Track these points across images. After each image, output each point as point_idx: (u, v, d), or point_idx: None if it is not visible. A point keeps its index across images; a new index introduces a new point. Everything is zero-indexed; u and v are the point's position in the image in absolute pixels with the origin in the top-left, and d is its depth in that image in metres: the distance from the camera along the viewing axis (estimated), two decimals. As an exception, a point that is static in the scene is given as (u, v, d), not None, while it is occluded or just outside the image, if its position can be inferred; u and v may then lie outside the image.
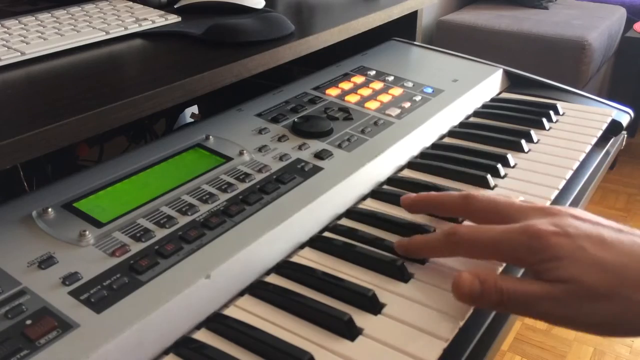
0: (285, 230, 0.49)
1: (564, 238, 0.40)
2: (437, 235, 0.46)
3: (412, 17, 0.92)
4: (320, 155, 0.58)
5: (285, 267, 0.47)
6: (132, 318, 0.38)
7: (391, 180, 0.60)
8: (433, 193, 0.51)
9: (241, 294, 0.45)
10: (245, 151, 0.57)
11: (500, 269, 0.47)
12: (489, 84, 0.81)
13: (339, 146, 0.60)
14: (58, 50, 0.61)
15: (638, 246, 0.39)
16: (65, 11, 0.71)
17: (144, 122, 0.87)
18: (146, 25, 0.68)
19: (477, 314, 0.44)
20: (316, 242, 0.50)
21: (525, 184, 0.60)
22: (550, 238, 0.40)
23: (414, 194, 0.52)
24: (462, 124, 0.73)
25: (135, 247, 0.44)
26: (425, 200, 0.51)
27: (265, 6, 0.79)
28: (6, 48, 0.58)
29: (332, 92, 0.72)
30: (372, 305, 0.43)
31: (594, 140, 0.69)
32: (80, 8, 0.72)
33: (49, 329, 0.37)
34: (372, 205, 0.56)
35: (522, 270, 0.48)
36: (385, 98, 0.72)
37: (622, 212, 2.07)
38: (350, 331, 0.40)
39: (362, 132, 0.63)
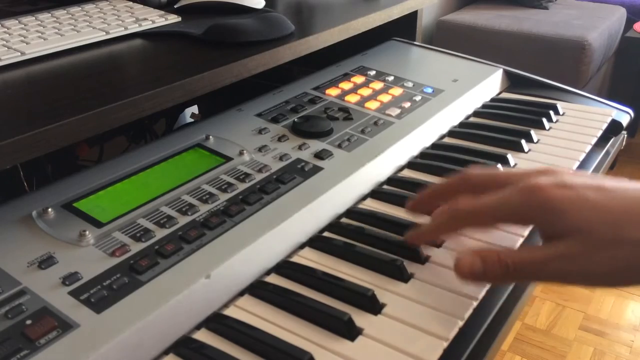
0: (285, 230, 0.49)
1: (565, 189, 0.40)
2: (440, 214, 0.46)
3: (412, 17, 0.92)
4: (320, 155, 0.58)
5: (285, 267, 0.47)
6: (132, 318, 0.38)
7: (391, 180, 0.60)
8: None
9: (241, 294, 0.45)
10: (245, 151, 0.57)
11: (518, 245, 0.47)
12: (489, 84, 0.81)
13: (339, 146, 0.60)
14: (58, 50, 0.61)
15: (636, 189, 0.39)
16: (65, 11, 0.71)
17: (144, 122, 0.87)
18: (146, 25, 0.68)
19: (477, 314, 0.44)
20: (316, 242, 0.50)
21: (525, 184, 0.60)
22: (551, 191, 0.40)
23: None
24: (462, 124, 0.73)
25: (135, 247, 0.44)
26: (427, 196, 0.50)
27: (265, 6, 0.79)
28: (6, 48, 0.58)
29: (332, 92, 0.72)
30: (372, 305, 0.43)
31: (594, 140, 0.69)
32: (80, 8, 0.72)
33: (49, 329, 0.37)
34: (372, 205, 0.56)
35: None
36: (385, 98, 0.72)
37: (622, 212, 2.07)
38: (350, 331, 0.40)
39: (362, 132, 0.63)
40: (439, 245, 0.50)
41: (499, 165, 0.62)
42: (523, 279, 0.42)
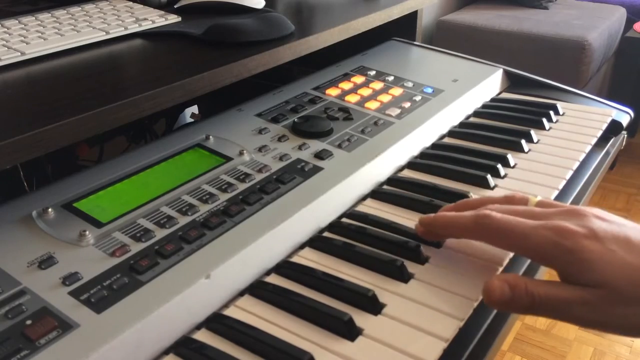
0: (285, 230, 0.49)
1: (594, 241, 0.40)
2: (467, 214, 0.46)
3: (412, 17, 0.92)
4: (320, 155, 0.58)
5: (285, 267, 0.47)
6: (132, 318, 0.38)
7: (391, 180, 0.60)
8: (445, 217, 0.47)
9: (241, 294, 0.45)
10: (245, 151, 0.57)
11: (507, 261, 0.47)
12: (489, 84, 0.81)
13: (339, 146, 0.60)
14: (58, 50, 0.61)
15: None
16: (65, 11, 0.71)
17: (144, 122, 0.87)
18: (146, 25, 0.68)
19: (477, 313, 0.44)
20: (316, 242, 0.50)
21: (525, 184, 0.60)
22: (581, 240, 0.40)
23: (426, 220, 0.49)
24: (462, 124, 0.73)
25: (135, 247, 0.44)
26: (439, 225, 0.48)
27: (265, 6, 0.79)
28: (6, 48, 0.58)
29: (332, 92, 0.72)
30: (372, 305, 0.43)
31: (594, 140, 0.69)
32: (80, 8, 0.72)
33: (49, 329, 0.37)
34: (372, 205, 0.56)
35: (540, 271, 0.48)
36: (385, 98, 0.72)
37: (622, 212, 2.07)
38: (350, 331, 0.40)
39: (362, 132, 0.63)
40: (439, 246, 0.50)
41: (499, 166, 0.62)
42: (542, 314, 0.42)
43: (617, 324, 0.39)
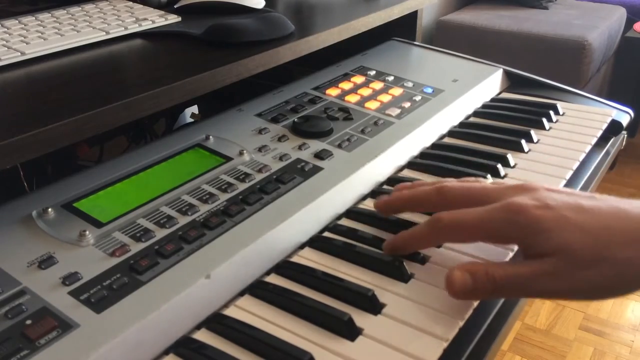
0: (285, 231, 0.49)
1: (546, 210, 0.41)
2: (421, 225, 0.47)
3: (412, 17, 0.92)
4: (320, 155, 0.58)
5: (285, 267, 0.47)
6: (132, 318, 0.38)
7: (391, 180, 0.60)
8: (405, 192, 0.50)
9: (241, 294, 0.45)
10: (245, 151, 0.57)
11: (510, 256, 0.48)
12: (489, 84, 0.81)
13: (339, 146, 0.60)
14: (58, 50, 0.61)
15: (614, 208, 0.41)
16: (65, 11, 0.71)
17: (144, 122, 0.87)
18: (146, 25, 0.68)
19: (477, 314, 0.44)
20: (316, 242, 0.50)
21: (525, 184, 0.60)
22: (533, 211, 0.41)
23: (386, 197, 0.52)
24: (462, 124, 0.73)
25: (135, 247, 0.44)
26: (400, 201, 0.51)
27: (265, 6, 0.79)
28: (6, 48, 0.58)
29: (332, 92, 0.72)
30: (372, 305, 0.43)
31: (594, 140, 0.69)
32: (80, 8, 0.72)
33: (49, 329, 0.37)
34: (372, 205, 0.56)
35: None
36: (385, 98, 0.72)
37: (622, 212, 2.07)
38: (350, 331, 0.40)
39: (362, 132, 0.63)
40: (439, 246, 0.50)
41: (499, 166, 0.62)
42: (508, 295, 0.43)
43: (581, 288, 0.39)
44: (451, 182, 0.48)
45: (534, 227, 0.40)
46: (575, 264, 0.39)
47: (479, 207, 0.44)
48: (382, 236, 0.50)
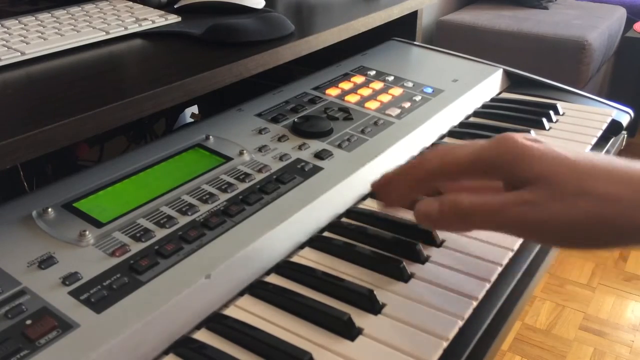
0: (285, 230, 0.49)
1: (535, 142, 0.40)
2: (435, 205, 0.43)
3: (412, 17, 0.92)
4: (320, 155, 0.58)
5: (285, 267, 0.47)
6: (132, 318, 0.38)
7: (391, 180, 0.60)
8: (395, 172, 0.47)
9: (241, 294, 0.45)
10: (245, 151, 0.57)
11: (517, 245, 0.47)
12: (489, 84, 0.81)
13: (339, 146, 0.60)
14: (58, 50, 0.61)
15: (604, 156, 0.40)
16: (65, 11, 0.71)
17: (144, 122, 0.87)
18: (146, 25, 0.68)
19: (477, 313, 0.44)
20: (316, 242, 0.50)
21: (525, 184, 0.60)
22: (521, 140, 0.40)
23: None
24: (462, 124, 0.73)
25: (135, 247, 0.44)
26: (393, 180, 0.47)
27: (265, 6, 0.79)
28: (6, 48, 0.58)
29: (332, 92, 0.72)
30: (372, 305, 0.43)
31: (594, 140, 0.69)
32: (80, 8, 0.72)
33: (49, 329, 0.37)
34: (372, 205, 0.56)
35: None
36: (385, 98, 0.72)
37: (622, 212, 2.07)
38: (350, 331, 0.40)
39: (362, 132, 0.63)
40: (439, 245, 0.50)
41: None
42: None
43: (556, 221, 0.37)
44: (431, 150, 0.47)
45: (520, 152, 0.40)
46: (555, 192, 0.38)
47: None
48: (383, 236, 0.50)
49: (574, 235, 0.38)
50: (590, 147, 0.68)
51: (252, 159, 0.57)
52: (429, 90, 0.75)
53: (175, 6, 0.78)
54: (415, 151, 0.65)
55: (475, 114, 0.76)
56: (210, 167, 0.55)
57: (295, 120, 0.63)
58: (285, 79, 0.77)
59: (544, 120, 0.72)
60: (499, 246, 0.49)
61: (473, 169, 0.42)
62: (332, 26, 0.72)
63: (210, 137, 0.60)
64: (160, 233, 0.46)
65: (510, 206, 0.39)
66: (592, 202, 0.37)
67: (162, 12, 0.73)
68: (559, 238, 0.39)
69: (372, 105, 0.70)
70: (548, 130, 0.72)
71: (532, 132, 0.69)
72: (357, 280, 0.45)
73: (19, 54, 0.58)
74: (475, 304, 0.44)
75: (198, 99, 0.84)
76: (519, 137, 0.41)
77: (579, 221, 0.37)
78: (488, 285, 0.45)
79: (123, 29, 0.66)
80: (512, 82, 0.86)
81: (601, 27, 2.11)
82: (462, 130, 0.71)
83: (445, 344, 0.40)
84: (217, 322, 0.42)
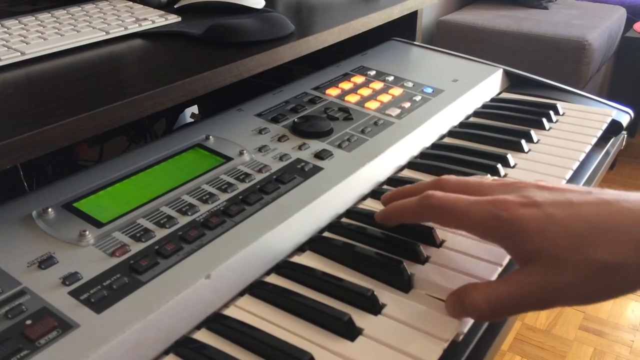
0: (285, 230, 0.49)
1: (532, 208, 0.40)
2: (412, 199, 0.46)
3: (412, 17, 0.92)
4: (320, 155, 0.58)
5: (285, 267, 0.47)
6: (132, 318, 0.38)
7: (391, 180, 0.60)
8: (393, 206, 0.48)
9: (241, 294, 0.45)
10: (245, 151, 0.57)
11: (507, 260, 0.47)
12: (489, 84, 0.81)
13: (339, 146, 0.60)
14: (58, 50, 0.61)
15: (606, 203, 0.39)
16: (65, 11, 0.71)
17: (144, 122, 0.87)
18: (146, 25, 0.68)
19: (477, 314, 0.43)
20: (316, 242, 0.50)
21: (525, 184, 0.60)
22: (518, 209, 0.40)
23: (380, 215, 0.50)
24: (462, 124, 0.73)
25: (135, 247, 0.44)
26: (401, 194, 0.50)
27: (265, 6, 0.79)
28: (6, 48, 0.58)
29: (332, 92, 0.72)
30: (372, 305, 0.43)
31: (594, 140, 0.69)
32: (80, 8, 0.72)
33: (49, 329, 0.37)
34: (372, 205, 0.56)
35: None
36: (385, 98, 0.72)
37: (622, 212, 2.07)
38: (350, 331, 0.40)
39: (362, 132, 0.63)
40: (439, 246, 0.50)
41: (499, 166, 0.62)
42: (507, 315, 0.42)
43: (571, 294, 0.37)
44: (450, 176, 0.48)
45: (516, 225, 0.39)
46: (561, 269, 0.37)
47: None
48: (383, 236, 0.50)
49: (589, 299, 0.38)
50: (590, 147, 0.68)
51: (252, 159, 0.57)
52: (429, 90, 0.75)
53: (175, 6, 0.78)
54: (415, 151, 0.65)
55: (475, 114, 0.76)
56: (210, 167, 0.55)
57: (295, 120, 0.63)
58: (285, 79, 0.77)
59: (544, 120, 0.72)
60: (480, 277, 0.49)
61: (468, 227, 0.44)
62: (332, 26, 0.72)
63: (210, 137, 0.60)
64: (160, 233, 0.46)
65: (528, 295, 0.38)
66: (597, 271, 0.37)
67: (162, 12, 0.73)
68: (579, 303, 0.39)
69: (372, 105, 0.70)
70: (548, 130, 0.72)
71: (532, 132, 0.69)
72: (357, 280, 0.45)
73: (19, 54, 0.58)
74: (475, 304, 0.43)
75: (198, 99, 0.84)
76: (516, 203, 0.40)
77: (591, 290, 0.37)
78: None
79: (123, 29, 0.66)
80: (512, 82, 0.86)
81: (601, 27, 2.11)
82: (462, 131, 0.71)
83: (445, 345, 0.40)
84: (217, 322, 0.42)
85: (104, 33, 0.65)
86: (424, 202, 0.45)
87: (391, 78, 0.78)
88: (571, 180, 0.62)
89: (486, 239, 0.44)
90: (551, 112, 0.74)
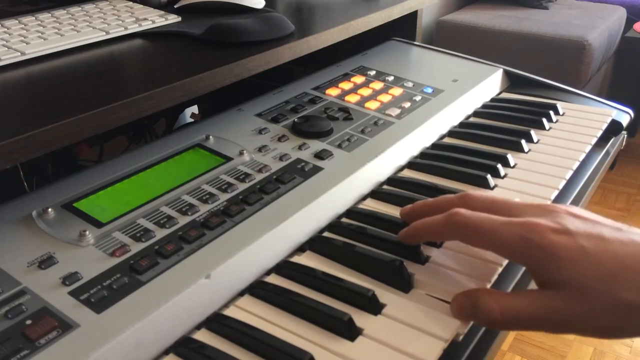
0: (286, 230, 0.49)
1: (564, 236, 0.39)
2: (438, 216, 0.45)
3: (412, 17, 0.92)
4: (320, 155, 0.58)
5: (285, 267, 0.47)
6: (132, 318, 0.38)
7: (391, 180, 0.60)
8: (419, 224, 0.47)
9: (241, 294, 0.45)
10: (245, 151, 0.57)
11: (498, 272, 0.47)
12: (489, 84, 0.81)
13: (339, 146, 0.60)
14: (58, 50, 0.61)
15: (636, 245, 0.39)
16: (65, 11, 0.71)
17: (144, 122, 0.87)
18: (146, 25, 0.68)
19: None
20: (316, 242, 0.50)
21: (525, 184, 0.60)
22: (550, 235, 0.39)
23: (403, 234, 0.48)
24: (462, 124, 0.73)
25: (135, 247, 0.44)
26: (423, 207, 0.49)
27: (265, 6, 0.79)
28: (6, 48, 0.58)
29: (332, 92, 0.72)
30: (372, 305, 0.43)
31: (594, 140, 0.69)
32: (80, 8, 0.72)
33: (49, 329, 0.37)
34: (372, 205, 0.56)
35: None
36: (385, 98, 0.72)
37: (622, 212, 2.08)
38: (350, 331, 0.40)
39: (362, 132, 0.63)
40: (439, 246, 0.50)
41: (499, 166, 0.62)
42: (517, 329, 0.42)
43: (592, 327, 0.38)
44: (474, 192, 0.47)
45: (547, 251, 0.39)
46: (586, 303, 0.37)
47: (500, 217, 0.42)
48: (383, 236, 0.50)
49: (609, 334, 0.38)
50: (590, 147, 0.68)
51: (252, 159, 0.57)
52: (429, 90, 0.75)
53: (175, 6, 0.78)
54: (415, 151, 0.65)
55: (475, 114, 0.76)
56: (210, 167, 0.55)
57: (295, 120, 0.63)
58: (285, 79, 0.77)
59: (544, 120, 0.72)
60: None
61: (494, 248, 0.43)
62: (332, 26, 0.72)
63: (210, 137, 0.60)
64: (160, 233, 0.46)
65: (545, 316, 0.38)
66: (622, 311, 0.37)
67: (162, 12, 0.73)
68: (592, 336, 0.39)
69: (372, 105, 0.70)
70: (548, 130, 0.72)
71: (532, 132, 0.69)
72: (357, 280, 0.45)
73: (19, 54, 0.58)
74: (475, 304, 0.43)
75: (198, 99, 0.84)
76: (548, 229, 0.39)
77: (610, 328, 0.38)
78: (488, 286, 0.45)
79: (123, 29, 0.66)
80: (512, 82, 0.86)
81: (601, 27, 2.11)
82: (462, 131, 0.71)
83: (445, 344, 0.40)
84: (217, 322, 0.42)
85: (104, 33, 0.65)
86: (451, 220, 0.43)
87: (391, 78, 0.78)
88: (571, 180, 0.62)
89: (513, 261, 0.44)
90: (551, 112, 0.74)
